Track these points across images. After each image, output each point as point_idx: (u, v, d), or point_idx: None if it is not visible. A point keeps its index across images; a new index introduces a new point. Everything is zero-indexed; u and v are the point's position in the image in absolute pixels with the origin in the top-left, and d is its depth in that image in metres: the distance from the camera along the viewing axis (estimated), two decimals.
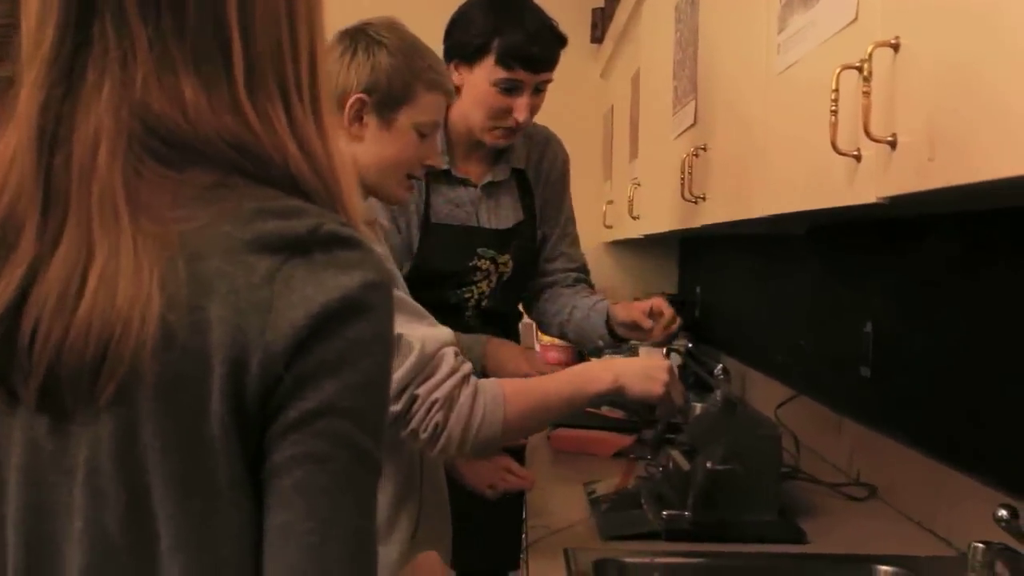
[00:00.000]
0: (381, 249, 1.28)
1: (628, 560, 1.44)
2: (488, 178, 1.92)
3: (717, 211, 1.90)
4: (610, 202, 3.57)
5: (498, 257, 1.96)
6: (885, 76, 1.06)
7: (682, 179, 2.05)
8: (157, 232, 0.66)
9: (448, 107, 1.77)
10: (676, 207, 2.26)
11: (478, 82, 1.84)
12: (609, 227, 3.71)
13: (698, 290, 3.72)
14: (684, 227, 2.23)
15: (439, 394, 1.20)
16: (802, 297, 2.42)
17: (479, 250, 1.91)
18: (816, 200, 1.30)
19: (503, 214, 1.98)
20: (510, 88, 1.84)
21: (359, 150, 1.38)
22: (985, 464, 1.46)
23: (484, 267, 1.94)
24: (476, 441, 1.23)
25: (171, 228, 0.66)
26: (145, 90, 0.67)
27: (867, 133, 1.05)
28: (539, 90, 1.88)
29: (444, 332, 1.24)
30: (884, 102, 1.05)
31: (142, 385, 0.65)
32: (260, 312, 0.65)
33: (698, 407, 1.87)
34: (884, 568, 1.41)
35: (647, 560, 1.44)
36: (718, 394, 1.73)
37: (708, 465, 1.52)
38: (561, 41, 1.87)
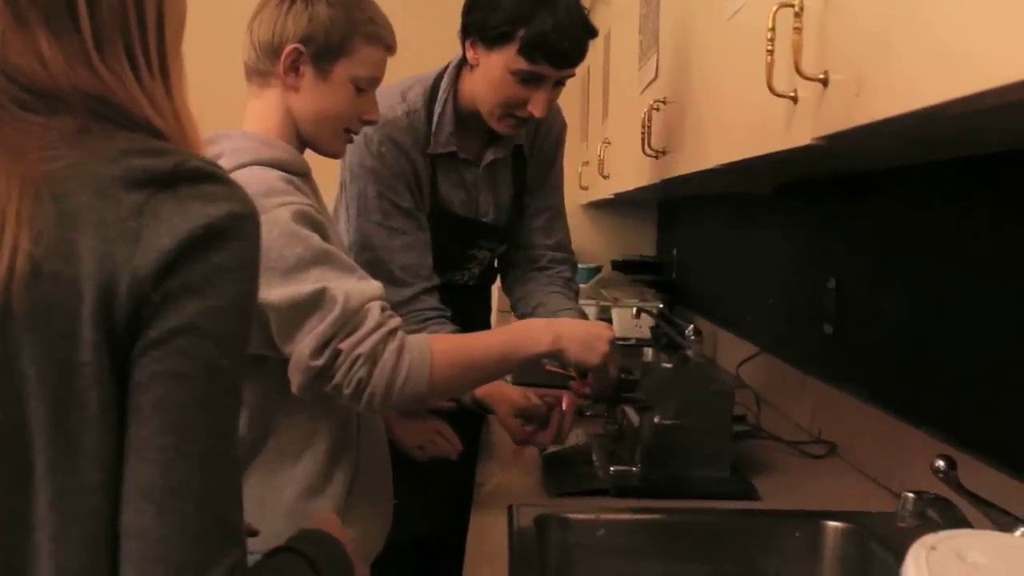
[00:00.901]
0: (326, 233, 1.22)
1: (572, 516, 1.41)
2: (489, 157, 1.83)
3: (677, 164, 1.87)
4: (585, 163, 3.54)
5: (496, 248, 1.93)
6: (817, 12, 1.02)
7: (643, 133, 2.01)
8: (22, 172, 0.69)
9: (459, 84, 1.74)
10: (641, 163, 2.23)
11: (495, 67, 1.67)
12: (585, 188, 3.68)
13: (675, 252, 3.71)
14: (647, 183, 2.19)
15: (362, 349, 1.18)
16: (770, 256, 2.40)
17: (480, 242, 1.87)
18: (758, 146, 1.26)
19: (501, 194, 1.91)
20: (529, 80, 1.67)
21: (295, 101, 1.35)
22: (940, 419, 1.44)
23: (481, 256, 1.92)
24: (401, 397, 1.21)
25: (37, 168, 0.69)
26: (3, 43, 0.71)
27: (799, 71, 1.01)
28: (560, 83, 1.72)
29: (371, 286, 1.22)
30: (816, 39, 1.02)
31: (13, 317, 0.67)
32: (129, 242, 0.68)
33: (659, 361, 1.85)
34: (833, 524, 1.40)
35: (591, 516, 1.42)
36: (689, 353, 1.71)
37: (656, 420, 1.49)
38: (592, 35, 1.68)
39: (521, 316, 2.00)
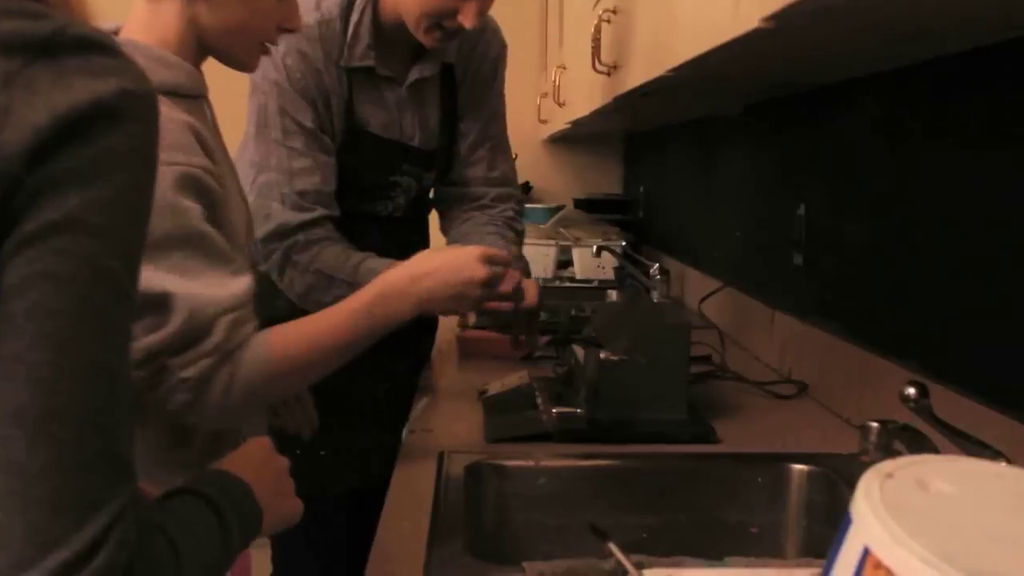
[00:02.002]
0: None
1: (508, 463, 1.35)
2: (415, 76, 1.73)
3: (628, 78, 1.76)
4: (544, 95, 3.46)
5: (424, 175, 1.84)
6: None
7: (592, 48, 1.90)
8: None
9: None
10: (593, 84, 2.15)
11: None
12: (544, 122, 3.61)
13: (642, 189, 3.66)
14: (600, 104, 2.09)
15: (191, 372, 1.06)
16: (738, 185, 2.36)
17: (404, 167, 1.78)
18: (707, 40, 1.17)
19: (429, 117, 1.80)
20: None
21: (203, 10, 1.21)
22: (915, 352, 1.41)
23: (405, 184, 1.82)
24: (232, 415, 1.11)
25: None
26: None
27: None
28: None
29: (229, 293, 1.08)
30: None
31: None
32: None
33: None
34: (798, 467, 1.35)
35: (530, 463, 1.35)
36: (655, 294, 1.64)
37: (601, 356, 1.42)
38: None
39: None
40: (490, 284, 1.29)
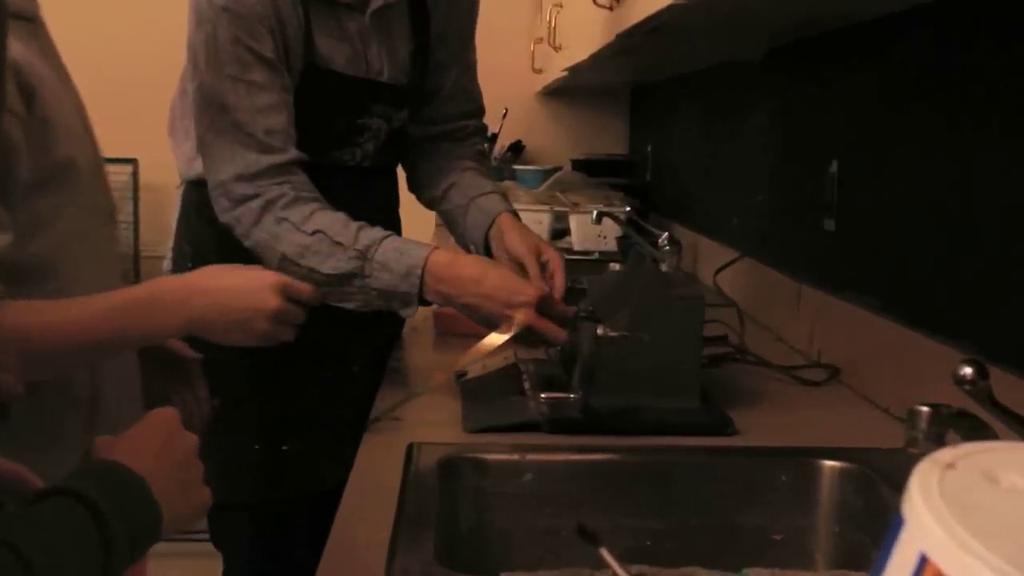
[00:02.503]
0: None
1: (489, 457, 1.31)
2: (378, 2, 1.71)
3: (635, 9, 1.73)
4: (539, 40, 3.41)
5: (394, 115, 1.82)
6: None
7: None
8: None
9: None
10: (594, 22, 2.12)
11: None
12: (539, 71, 3.58)
13: (649, 149, 3.66)
14: (602, 44, 2.06)
15: None
16: (760, 141, 2.34)
17: (373, 107, 1.76)
18: None
19: (398, 49, 1.79)
20: None
21: None
22: (968, 331, 1.39)
23: (375, 126, 1.80)
24: None
25: None
26: None
27: None
28: None
29: None
30: None
31: None
32: None
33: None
34: (829, 463, 1.32)
35: (514, 457, 1.31)
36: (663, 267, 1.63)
37: (598, 332, 1.40)
38: None
39: (428, 203, 1.93)
40: (281, 318, 1.31)
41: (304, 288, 1.36)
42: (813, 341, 1.90)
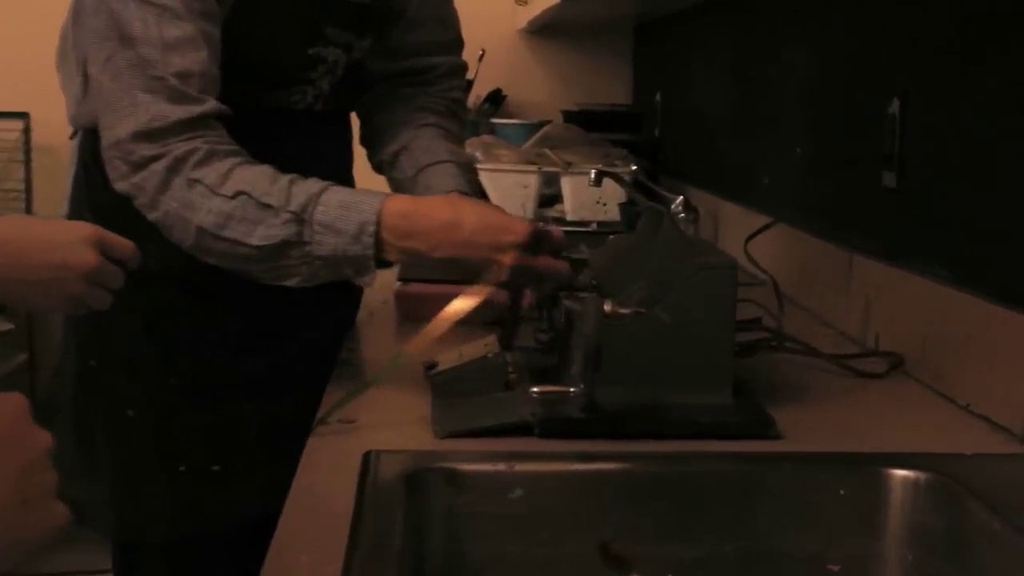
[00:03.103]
0: None
1: (467, 468, 1.29)
2: None
3: None
4: None
5: (355, 42, 1.79)
6: None
7: None
8: None
9: None
10: None
11: None
12: (523, 3, 3.65)
13: (658, 98, 3.67)
14: None
15: None
16: (799, 79, 2.32)
17: (328, 31, 1.75)
18: None
19: None
20: None
21: None
22: None
23: (331, 58, 1.77)
24: None
25: None
26: None
27: None
28: None
29: None
30: None
31: None
32: None
33: None
34: (900, 473, 1.29)
35: (499, 468, 1.28)
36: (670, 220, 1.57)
37: (606, 309, 1.35)
38: None
39: (377, 167, 1.91)
40: (97, 278, 1.32)
41: (125, 244, 1.35)
42: (869, 324, 1.89)
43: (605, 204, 2.89)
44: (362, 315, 2.02)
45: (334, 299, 1.86)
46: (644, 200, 2.10)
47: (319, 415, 1.49)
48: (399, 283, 2.05)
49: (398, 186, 1.82)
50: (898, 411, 1.58)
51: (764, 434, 1.41)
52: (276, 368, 1.80)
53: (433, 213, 1.50)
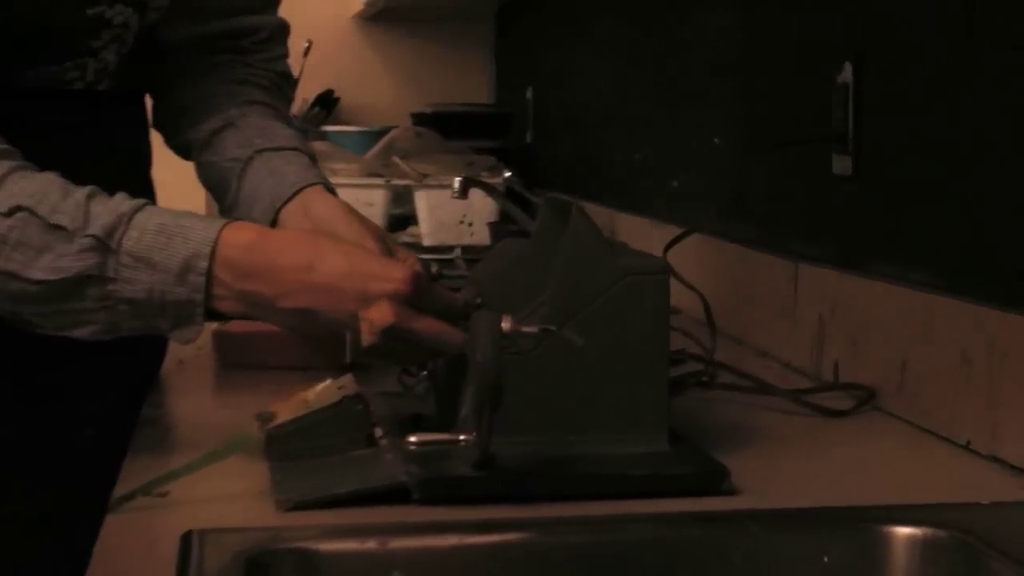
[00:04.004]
0: None
1: (325, 548, 1.22)
2: None
3: None
4: None
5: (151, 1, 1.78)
6: None
7: None
8: None
9: None
10: None
11: None
12: None
13: (529, 95, 3.74)
14: None
15: None
16: (718, 47, 2.37)
17: None
18: None
19: None
20: None
21: None
22: None
23: (119, 20, 1.73)
24: None
25: None
26: None
27: None
28: None
29: None
30: None
31: None
32: None
33: None
34: (902, 531, 1.25)
35: (369, 546, 1.22)
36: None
37: (504, 327, 1.32)
38: None
39: (182, 148, 1.87)
40: None
41: None
42: (824, 350, 1.89)
43: (471, 224, 2.94)
44: (169, 365, 1.98)
45: (132, 345, 1.73)
46: (522, 215, 2.13)
47: (120, 489, 1.41)
48: (217, 322, 2.00)
49: (217, 173, 1.78)
50: (878, 455, 1.57)
51: (716, 488, 1.36)
52: (62, 439, 1.76)
53: (286, 248, 1.43)
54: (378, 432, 1.47)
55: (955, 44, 1.61)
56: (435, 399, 1.53)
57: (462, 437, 1.33)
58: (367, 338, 1.37)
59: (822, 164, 1.88)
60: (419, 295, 1.38)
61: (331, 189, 1.73)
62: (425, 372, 1.60)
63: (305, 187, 1.69)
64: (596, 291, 1.40)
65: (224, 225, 1.41)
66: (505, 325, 1.32)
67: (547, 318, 1.38)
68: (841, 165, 1.84)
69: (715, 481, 1.35)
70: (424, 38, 4.12)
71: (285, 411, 1.50)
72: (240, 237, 1.41)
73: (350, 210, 1.68)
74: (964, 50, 1.60)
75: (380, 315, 1.36)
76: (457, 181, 2.32)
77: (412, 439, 1.34)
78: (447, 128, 3.56)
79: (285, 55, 1.93)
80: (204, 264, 1.38)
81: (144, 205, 1.43)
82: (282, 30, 1.91)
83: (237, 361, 1.97)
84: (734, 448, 1.52)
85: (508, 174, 2.74)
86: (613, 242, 1.57)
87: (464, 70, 4.15)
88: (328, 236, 1.52)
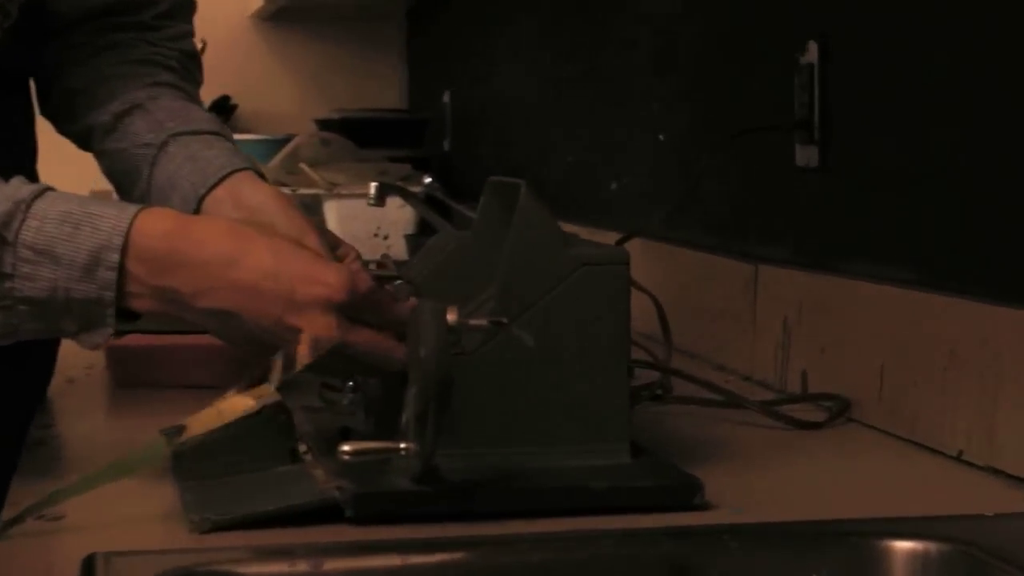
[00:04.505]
0: None
1: (249, 572, 1.21)
2: None
3: None
4: None
5: None
6: None
7: None
8: None
9: None
10: None
11: None
12: None
13: (446, 99, 3.76)
14: None
15: None
16: (661, 31, 2.37)
17: None
18: None
19: None
20: None
21: None
22: None
23: None
24: None
25: None
26: None
27: None
28: None
29: None
30: None
31: None
32: None
33: None
34: (905, 545, 1.24)
35: (301, 568, 1.19)
36: None
37: (449, 319, 1.29)
38: None
39: (81, 135, 1.83)
40: None
41: None
42: (789, 358, 1.90)
43: (387, 237, 2.96)
44: (58, 383, 1.97)
45: (17, 358, 1.73)
46: (445, 225, 2.17)
47: (7, 515, 1.37)
48: (131, 321, 1.98)
49: (125, 160, 1.73)
50: (862, 468, 1.57)
51: (687, 502, 1.33)
52: None
53: (208, 239, 1.37)
54: (301, 446, 1.44)
55: (931, 19, 1.61)
56: (366, 410, 1.51)
57: (403, 446, 1.28)
58: (305, 358, 1.33)
59: (783, 155, 1.88)
60: (356, 304, 1.35)
61: (262, 176, 1.69)
62: (351, 383, 1.57)
63: (233, 172, 1.64)
64: (548, 284, 1.38)
65: (138, 212, 1.36)
66: (451, 317, 1.28)
67: (494, 314, 1.35)
68: (805, 156, 1.84)
69: (687, 494, 1.33)
70: (329, 39, 4.14)
71: (195, 424, 1.45)
72: (156, 225, 1.36)
73: (287, 200, 1.64)
74: (940, 25, 1.60)
75: (318, 328, 1.32)
76: (373, 187, 2.36)
77: (345, 448, 1.28)
78: (357, 136, 3.58)
79: (191, 32, 1.90)
80: (115, 257, 1.33)
81: (44, 191, 1.38)
82: (184, 4, 1.88)
83: (134, 380, 1.94)
84: (701, 462, 1.49)
85: (429, 179, 2.75)
86: (563, 232, 1.53)
87: (373, 73, 4.17)
88: (258, 227, 1.47)
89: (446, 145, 3.68)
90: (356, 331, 1.34)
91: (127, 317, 1.37)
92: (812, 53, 1.81)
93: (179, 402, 1.73)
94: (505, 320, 1.33)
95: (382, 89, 4.15)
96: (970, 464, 1.48)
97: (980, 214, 1.55)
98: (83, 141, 1.81)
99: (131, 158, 1.72)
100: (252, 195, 1.64)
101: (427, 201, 2.57)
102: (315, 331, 1.32)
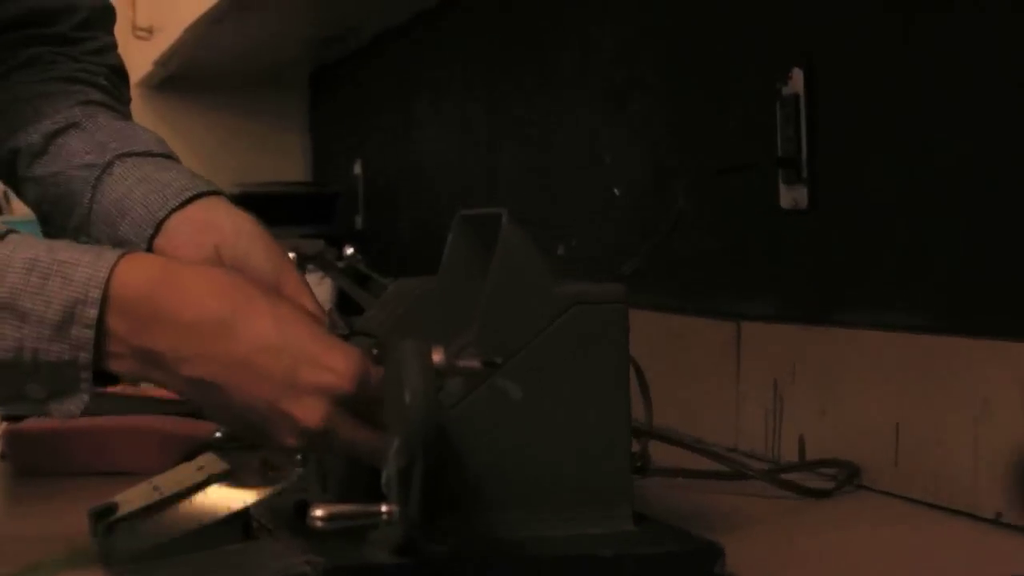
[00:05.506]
0: None
1: None
2: None
3: None
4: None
5: None
6: None
7: None
8: None
9: None
10: None
11: None
12: (144, 36, 3.74)
13: (357, 169, 3.82)
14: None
15: None
16: (612, 65, 2.41)
17: None
18: None
19: None
20: None
21: None
22: None
23: None
24: None
25: None
26: None
27: None
28: None
29: None
30: None
31: None
32: None
33: None
34: None
35: None
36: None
37: (438, 360, 1.25)
38: None
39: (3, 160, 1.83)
40: None
41: None
42: (782, 422, 1.90)
43: None
44: None
45: None
46: (368, 298, 2.13)
47: None
48: (4, 421, 2.01)
49: (61, 185, 1.70)
50: (890, 537, 1.53)
51: (707, 570, 1.30)
52: None
53: (198, 294, 1.30)
54: (255, 524, 1.40)
55: (925, 45, 1.63)
56: (322, 482, 1.45)
57: (384, 508, 1.22)
58: (289, 440, 1.28)
59: (766, 197, 1.89)
60: (361, 399, 1.28)
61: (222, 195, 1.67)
62: (300, 457, 1.46)
63: (200, 195, 1.61)
64: (536, 326, 1.34)
65: (119, 259, 1.29)
66: (436, 358, 1.23)
67: (484, 348, 1.32)
68: (792, 196, 1.84)
69: (707, 561, 1.29)
70: (223, 109, 4.16)
71: (130, 501, 1.41)
72: (140, 274, 1.29)
73: (263, 229, 1.61)
74: (942, 47, 1.61)
75: (311, 416, 1.25)
76: (292, 257, 2.28)
77: (318, 513, 1.21)
78: (260, 213, 3.52)
79: (114, 45, 1.90)
80: (92, 313, 1.26)
81: (6, 234, 1.32)
82: (105, 13, 1.88)
83: (35, 467, 1.91)
84: (707, 532, 1.43)
85: (351, 251, 2.69)
86: (549, 268, 1.50)
87: (273, 145, 4.20)
88: (258, 285, 1.38)
89: (358, 222, 3.73)
90: (354, 428, 1.28)
91: (103, 380, 1.30)
92: (797, 81, 1.82)
93: (88, 488, 1.71)
94: (499, 361, 1.29)
95: (284, 161, 4.19)
96: (1010, 527, 1.46)
97: (996, 246, 1.54)
98: (4, 169, 1.78)
99: (67, 181, 1.69)
100: (226, 220, 1.61)
101: (348, 272, 2.53)
102: (308, 423, 1.26)
